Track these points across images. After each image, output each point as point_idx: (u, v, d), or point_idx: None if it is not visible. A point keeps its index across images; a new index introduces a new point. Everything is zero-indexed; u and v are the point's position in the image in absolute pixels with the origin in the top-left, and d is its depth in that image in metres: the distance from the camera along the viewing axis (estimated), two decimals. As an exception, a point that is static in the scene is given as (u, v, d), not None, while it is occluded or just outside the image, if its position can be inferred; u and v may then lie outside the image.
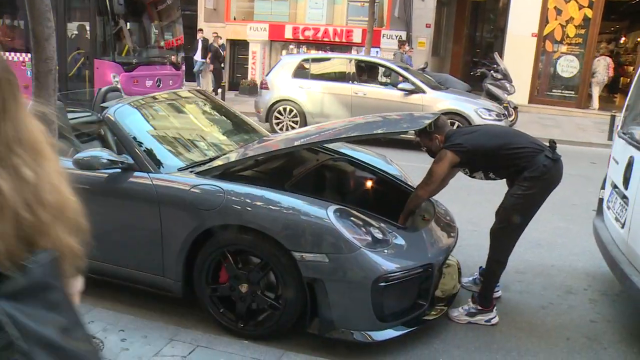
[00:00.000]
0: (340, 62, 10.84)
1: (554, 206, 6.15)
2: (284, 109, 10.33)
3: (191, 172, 3.60)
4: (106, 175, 3.61)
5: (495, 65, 11.50)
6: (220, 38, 15.57)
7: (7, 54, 10.72)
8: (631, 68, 17.59)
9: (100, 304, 3.73)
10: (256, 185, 3.46)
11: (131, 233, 3.64)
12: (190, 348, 3.18)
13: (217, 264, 3.41)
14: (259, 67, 16.38)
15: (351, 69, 10.28)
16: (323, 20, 16.28)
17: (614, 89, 18.80)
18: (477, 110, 9.31)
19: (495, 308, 3.68)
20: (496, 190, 3.65)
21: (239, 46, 16.93)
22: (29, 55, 10.81)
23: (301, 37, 15.90)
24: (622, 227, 3.70)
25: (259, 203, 3.25)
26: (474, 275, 4.14)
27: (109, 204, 3.66)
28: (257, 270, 3.31)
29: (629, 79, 15.66)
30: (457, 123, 9.09)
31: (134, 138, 3.70)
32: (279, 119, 10.34)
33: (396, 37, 14.53)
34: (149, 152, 3.68)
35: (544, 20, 14.20)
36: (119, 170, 3.58)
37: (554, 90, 14.88)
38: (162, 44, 12.34)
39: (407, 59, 12.81)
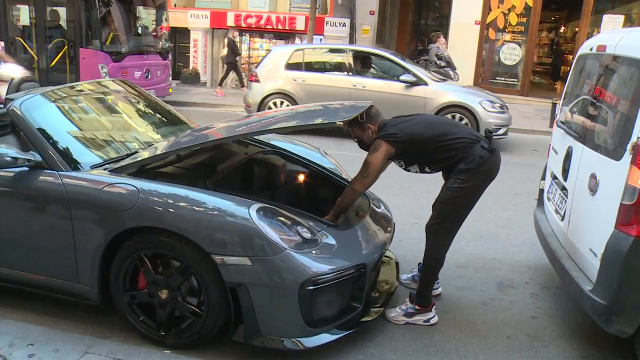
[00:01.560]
0: (336, 53, 10.29)
1: (497, 196, 6.12)
2: (277, 103, 9.81)
3: (105, 169, 3.29)
4: (12, 174, 3.27)
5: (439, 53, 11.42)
6: (236, 31, 14.58)
7: None
8: (570, 57, 17.96)
9: (10, 315, 3.44)
10: (175, 182, 3.17)
11: (41, 237, 3.31)
12: (106, 362, 2.90)
13: (134, 269, 3.14)
14: (201, 55, 15.88)
15: (348, 60, 9.75)
16: (266, 8, 15.93)
17: (555, 76, 19.20)
18: (482, 103, 9.00)
19: (434, 307, 3.52)
20: (440, 181, 3.48)
21: (180, 34, 16.35)
22: (2, 43, 10.16)
23: (243, 25, 15.47)
24: (562, 219, 3.60)
25: (174, 202, 2.97)
26: (413, 272, 3.98)
27: (16, 205, 3.35)
28: (176, 274, 3.04)
29: (569, 67, 15.95)
30: (457, 116, 8.90)
31: (43, 133, 3.36)
32: None
33: (340, 24, 14.32)
34: (59, 149, 3.35)
35: (486, 8, 14.25)
36: (26, 168, 3.25)
37: (497, 78, 14.96)
38: (149, 31, 11.60)
39: (435, 49, 11.60)
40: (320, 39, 14.39)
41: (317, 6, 13.55)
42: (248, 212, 2.91)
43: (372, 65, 10.03)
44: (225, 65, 14.50)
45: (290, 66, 9.86)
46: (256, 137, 4.29)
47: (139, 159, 3.34)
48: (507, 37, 14.56)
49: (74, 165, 3.29)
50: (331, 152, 4.76)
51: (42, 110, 3.59)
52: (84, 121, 3.90)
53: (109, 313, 3.32)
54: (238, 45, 14.50)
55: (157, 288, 3.08)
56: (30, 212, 3.31)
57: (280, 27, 15.17)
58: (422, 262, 3.50)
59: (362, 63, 9.94)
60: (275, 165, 4.12)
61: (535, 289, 4.08)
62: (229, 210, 2.94)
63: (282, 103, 9.77)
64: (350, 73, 9.62)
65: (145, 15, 11.46)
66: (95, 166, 3.35)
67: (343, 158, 4.99)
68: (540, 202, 4.28)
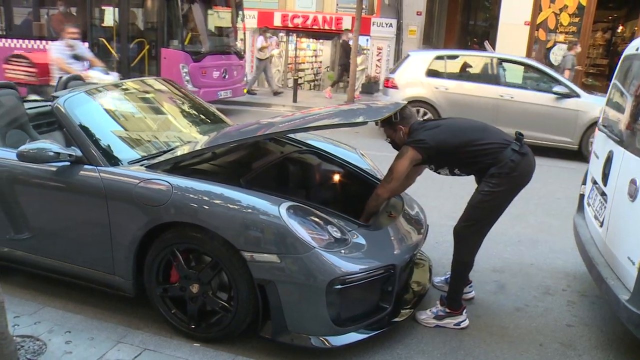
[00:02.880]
0: (480, 61, 9.68)
1: (539, 200, 5.99)
2: (419, 111, 9.17)
3: (142, 165, 3.38)
4: (55, 168, 3.41)
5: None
6: (350, 32, 13.56)
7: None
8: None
9: (51, 304, 3.57)
10: (209, 179, 3.23)
11: (81, 229, 3.44)
12: (137, 351, 2.99)
13: (167, 263, 3.22)
14: (248, 55, 16.09)
15: (494, 68, 9.21)
16: (313, 8, 15.99)
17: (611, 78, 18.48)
18: None
19: (465, 311, 3.48)
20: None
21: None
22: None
23: (290, 25, 15.58)
24: (601, 225, 3.49)
25: (206, 199, 3.03)
26: (446, 275, 3.92)
27: (58, 198, 3.48)
28: (207, 270, 3.10)
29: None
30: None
31: (84, 129, 3.48)
32: None
33: (387, 24, 14.25)
34: (99, 144, 3.46)
35: (537, 8, 13.88)
36: (67, 163, 3.38)
37: (547, 80, 14.59)
38: (227, 31, 11.51)
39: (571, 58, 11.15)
40: (367, 40, 14.36)
41: (364, 7, 13.49)
42: (278, 210, 2.94)
43: (518, 75, 9.52)
44: (339, 67, 13.99)
45: (432, 73, 9.36)
46: (293, 136, 4.34)
47: (174, 155, 3.42)
48: (559, 37, 14.15)
49: (113, 160, 3.40)
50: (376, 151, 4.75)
51: (84, 108, 3.72)
52: (124, 118, 4.02)
53: (143, 305, 3.41)
54: (286, 46, 14.55)
55: (188, 282, 3.15)
56: (71, 205, 3.43)
57: (326, 27, 15.22)
58: (451, 265, 3.45)
59: (508, 72, 9.38)
60: (311, 165, 4.14)
61: (572, 297, 3.97)
62: (259, 208, 2.97)
63: (425, 113, 9.17)
64: (497, 82, 9.05)
65: (224, 15, 11.35)
66: (133, 162, 3.44)
67: (381, 158, 4.98)
68: (580, 207, 4.16)
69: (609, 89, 4.01)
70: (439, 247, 4.63)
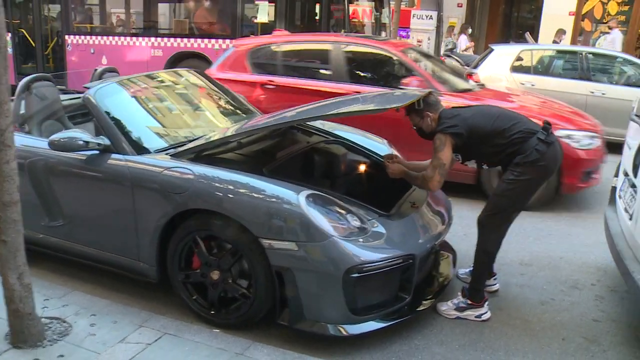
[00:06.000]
0: (568, 55, 9.20)
1: (577, 193, 5.81)
2: None
3: (167, 154, 3.46)
4: (85, 157, 3.52)
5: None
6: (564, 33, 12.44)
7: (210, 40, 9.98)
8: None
9: (80, 288, 3.70)
10: (233, 168, 3.29)
11: (109, 216, 3.54)
12: (157, 335, 3.08)
13: (189, 250, 3.29)
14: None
15: (583, 63, 8.63)
16: (352, -1, 15.84)
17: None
18: None
19: (487, 303, 3.43)
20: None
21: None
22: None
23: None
24: (630, 218, 3.38)
25: (227, 187, 3.08)
26: (471, 267, 3.86)
27: (88, 186, 3.59)
28: (227, 257, 3.16)
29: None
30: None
31: (113, 119, 3.58)
32: None
33: (427, 17, 14.07)
34: (127, 134, 3.56)
35: (583, -2, 13.50)
36: (97, 152, 3.49)
37: (593, 72, 14.13)
38: (390, 28, 11.11)
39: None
40: (407, 33, 14.21)
41: (404, -1, 13.37)
42: (297, 198, 2.96)
43: (610, 70, 8.99)
44: None
45: (517, 68, 8.96)
46: (321, 126, 4.36)
47: (198, 144, 3.48)
48: (605, 28, 13.68)
49: (141, 149, 3.48)
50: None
51: (114, 98, 3.82)
52: (154, 108, 4.10)
53: (167, 291, 3.49)
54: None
55: (209, 269, 3.21)
56: (99, 193, 3.54)
57: (366, 19, 15.12)
58: (474, 255, 3.41)
59: (599, 67, 8.87)
60: (336, 155, 4.15)
61: (601, 292, 3.86)
62: (278, 196, 3.00)
63: None
64: (586, 78, 8.55)
65: (381, 12, 10.89)
66: (159, 151, 3.52)
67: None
68: (612, 200, 4.04)
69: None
70: (467, 239, 4.56)
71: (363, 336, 3.07)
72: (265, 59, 6.85)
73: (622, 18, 13.54)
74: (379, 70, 6.77)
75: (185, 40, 10.19)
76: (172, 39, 10.32)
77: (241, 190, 3.05)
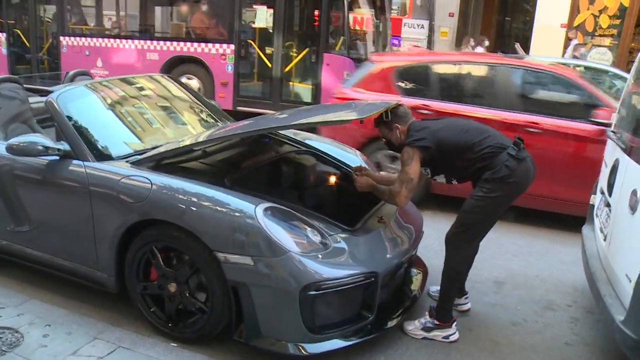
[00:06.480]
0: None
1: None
2: None
3: (127, 161, 3.34)
4: (46, 162, 3.42)
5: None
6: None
7: (207, 45, 9.79)
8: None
9: (39, 296, 3.59)
10: (194, 178, 3.18)
11: (70, 224, 3.43)
12: (111, 348, 2.98)
13: (147, 261, 3.18)
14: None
15: None
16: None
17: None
18: None
19: (455, 323, 3.32)
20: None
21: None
22: (232, 47, 9.53)
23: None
24: (604, 239, 3.28)
25: (183, 197, 2.97)
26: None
27: (48, 192, 3.49)
28: (183, 269, 3.05)
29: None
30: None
31: (74, 124, 3.47)
32: None
33: (418, 26, 14.00)
34: (88, 139, 3.44)
35: (575, 10, 13.38)
36: (57, 157, 3.38)
37: (584, 85, 14.09)
38: (387, 37, 10.56)
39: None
40: (398, 41, 14.12)
41: (396, 7, 13.29)
42: (254, 210, 2.85)
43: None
44: None
45: None
46: (293, 136, 4.25)
47: (158, 152, 3.37)
48: (597, 41, 13.65)
49: (102, 156, 3.37)
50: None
51: (79, 102, 3.72)
52: (122, 114, 3.98)
53: (127, 301, 3.36)
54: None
55: (166, 281, 3.10)
56: (58, 200, 3.43)
57: (357, 27, 15.05)
58: (442, 274, 3.30)
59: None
60: (305, 166, 4.04)
61: (577, 313, 3.75)
62: (235, 208, 2.90)
63: None
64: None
65: (382, 21, 10.37)
66: (122, 157, 3.41)
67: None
68: (590, 218, 3.94)
69: (622, 94, 3.78)
70: (442, 254, 4.43)
71: (324, 355, 2.95)
72: (417, 80, 5.94)
73: (614, 32, 13.51)
74: (557, 98, 5.75)
75: (182, 44, 10.03)
76: (168, 43, 10.16)
77: (197, 201, 2.94)
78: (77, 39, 10.87)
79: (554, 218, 5.49)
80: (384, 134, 3.34)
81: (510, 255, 4.58)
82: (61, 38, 10.94)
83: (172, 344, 3.09)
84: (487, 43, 12.88)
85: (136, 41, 10.42)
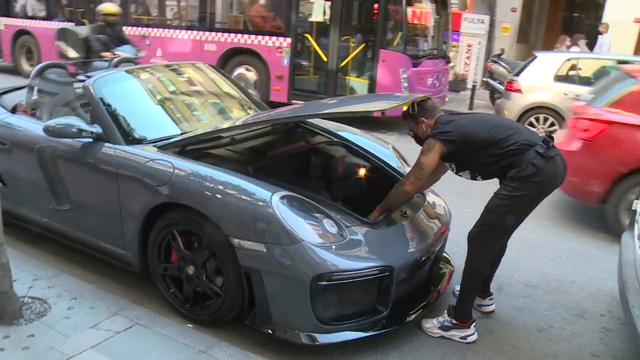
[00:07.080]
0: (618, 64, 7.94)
1: (602, 212, 5.43)
2: (539, 118, 8.47)
3: (154, 145, 3.41)
4: (80, 144, 3.54)
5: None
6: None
7: (264, 37, 9.91)
8: None
9: (70, 272, 3.72)
10: (217, 164, 3.21)
11: (100, 205, 3.55)
12: (128, 324, 3.06)
13: (168, 243, 3.24)
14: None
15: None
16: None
17: None
18: None
19: (474, 324, 3.22)
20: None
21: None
22: (288, 40, 9.74)
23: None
24: (640, 246, 3.10)
25: (203, 182, 3.01)
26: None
27: (82, 173, 3.61)
28: (201, 252, 3.09)
29: None
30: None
31: (108, 108, 3.57)
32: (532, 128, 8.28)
33: (478, 20, 13.63)
34: (120, 123, 3.54)
35: (650, 3, 12.59)
36: (90, 140, 3.49)
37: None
38: (442, 33, 10.46)
39: None
40: (458, 36, 13.83)
41: (456, 1, 13.00)
42: (270, 198, 2.86)
43: None
44: None
45: (560, 78, 8.46)
46: (324, 126, 4.23)
47: (184, 137, 3.42)
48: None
49: (132, 139, 3.46)
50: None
51: (116, 87, 3.83)
52: (156, 99, 4.06)
53: (152, 282, 3.44)
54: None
55: (185, 263, 3.16)
56: (92, 181, 3.55)
57: (416, 21, 14.82)
58: (462, 273, 3.20)
59: None
60: (334, 157, 4.01)
61: (609, 324, 3.56)
62: (252, 195, 2.91)
63: (545, 120, 8.46)
64: None
65: (440, 15, 10.21)
66: (152, 142, 3.48)
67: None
68: (631, 224, 3.72)
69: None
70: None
71: (335, 346, 2.94)
72: None
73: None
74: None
75: (239, 35, 10.17)
76: (225, 34, 10.32)
77: (217, 187, 2.98)
78: (139, 29, 11.20)
79: (602, 223, 5.23)
80: (411, 127, 3.27)
81: (547, 259, 4.40)
82: (123, 28, 11.28)
83: (188, 325, 3.15)
84: (584, 42, 12.19)
85: (195, 32, 10.64)
